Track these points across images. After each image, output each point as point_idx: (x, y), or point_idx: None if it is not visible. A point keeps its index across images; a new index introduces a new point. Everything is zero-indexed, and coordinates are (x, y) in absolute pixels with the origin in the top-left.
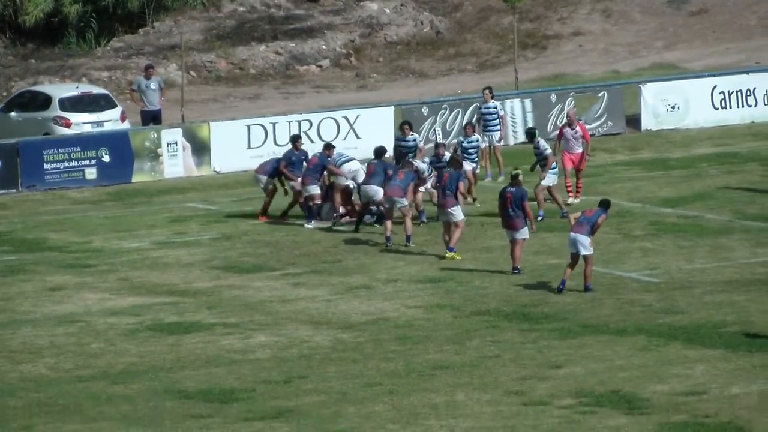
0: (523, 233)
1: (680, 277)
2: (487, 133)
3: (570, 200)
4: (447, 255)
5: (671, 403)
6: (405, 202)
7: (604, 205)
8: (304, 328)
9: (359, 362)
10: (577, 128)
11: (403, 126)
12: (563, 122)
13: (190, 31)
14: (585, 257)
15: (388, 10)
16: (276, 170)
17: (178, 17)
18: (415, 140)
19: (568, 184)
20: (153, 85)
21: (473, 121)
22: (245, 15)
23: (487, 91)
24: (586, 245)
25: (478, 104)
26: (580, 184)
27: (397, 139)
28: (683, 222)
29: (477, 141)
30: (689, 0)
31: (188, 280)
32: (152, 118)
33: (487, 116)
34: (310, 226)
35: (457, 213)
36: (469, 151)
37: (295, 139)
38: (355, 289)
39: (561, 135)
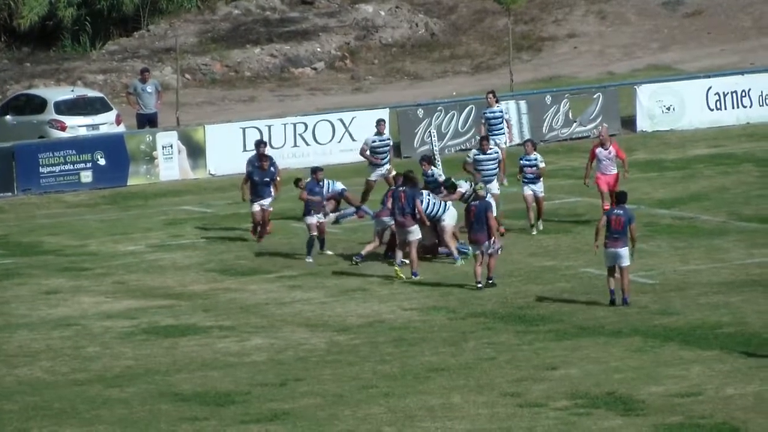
0: (489, 247)
1: (675, 279)
2: (492, 137)
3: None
4: (397, 269)
5: (667, 405)
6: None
7: (622, 200)
8: (300, 330)
9: (355, 365)
10: (611, 148)
11: (422, 162)
12: (595, 142)
13: (184, 34)
14: (622, 269)
15: (383, 13)
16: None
17: (173, 20)
18: (433, 175)
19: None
20: (149, 89)
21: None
22: (240, 18)
23: (491, 96)
24: (625, 256)
25: (483, 110)
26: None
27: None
28: (678, 223)
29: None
30: (684, 1)
31: (184, 283)
32: (148, 121)
33: (493, 120)
34: (309, 260)
35: (415, 232)
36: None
37: (315, 171)
38: (350, 292)
39: (593, 156)
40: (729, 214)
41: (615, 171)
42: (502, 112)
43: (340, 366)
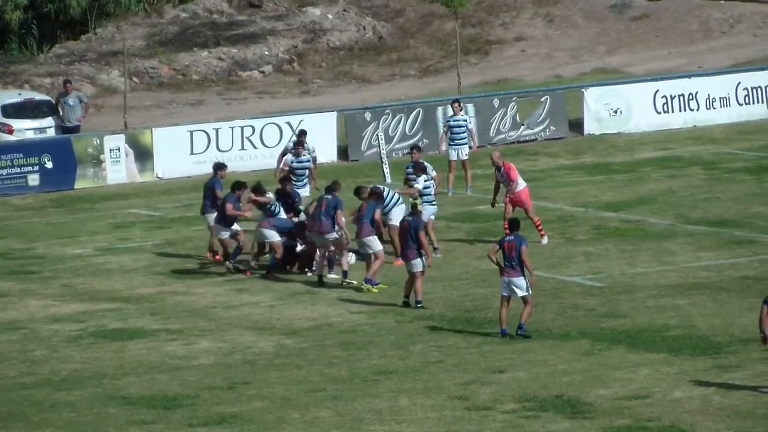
0: (416, 265)
1: (623, 282)
2: (455, 146)
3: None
4: (364, 287)
5: (614, 408)
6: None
7: (513, 228)
8: (248, 333)
9: (303, 368)
10: (503, 170)
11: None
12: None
13: (132, 37)
14: (524, 298)
15: (330, 16)
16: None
17: (121, 23)
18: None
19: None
20: (71, 101)
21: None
22: (188, 21)
23: (456, 104)
24: (523, 287)
25: (447, 118)
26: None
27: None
28: (626, 226)
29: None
30: (631, 5)
31: (131, 287)
32: (69, 133)
33: (456, 129)
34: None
35: (374, 244)
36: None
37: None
38: (298, 295)
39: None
40: (676, 217)
41: (519, 189)
42: (465, 121)
43: (288, 369)
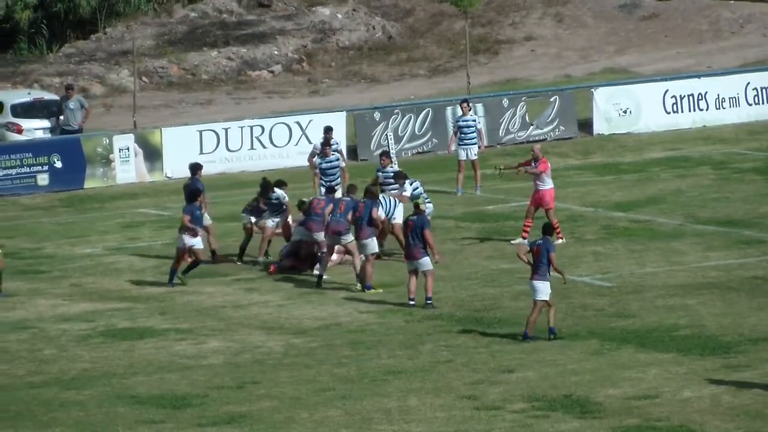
0: (425, 264)
1: (632, 281)
2: (464, 146)
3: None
4: (355, 288)
5: (623, 407)
6: (351, 238)
7: (547, 233)
8: (257, 333)
9: (312, 367)
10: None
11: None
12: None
13: (141, 37)
14: (547, 301)
15: (340, 16)
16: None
17: (130, 23)
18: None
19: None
20: (72, 105)
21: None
22: (197, 21)
23: (465, 104)
24: (541, 290)
25: (456, 118)
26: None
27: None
28: (635, 226)
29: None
30: (641, 5)
31: (141, 286)
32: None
33: (465, 129)
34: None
35: (372, 246)
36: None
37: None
38: (307, 295)
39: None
40: (685, 216)
41: (546, 188)
42: (474, 121)
43: (297, 369)
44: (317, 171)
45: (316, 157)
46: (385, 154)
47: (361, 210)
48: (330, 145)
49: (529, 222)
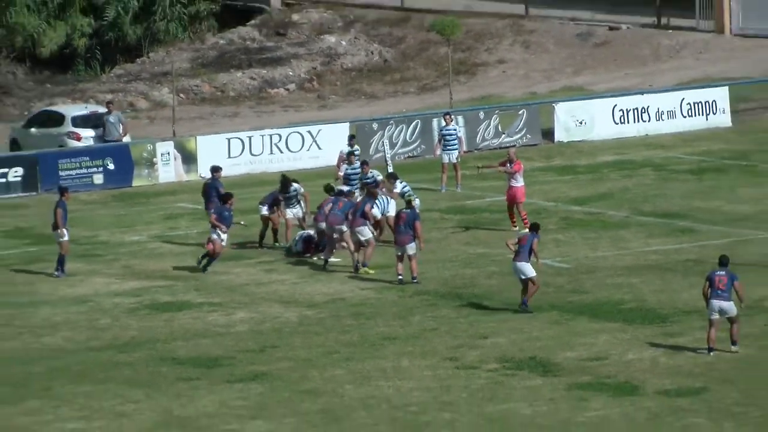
0: (410, 249)
1: (586, 264)
2: (447, 151)
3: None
4: (360, 269)
5: (578, 367)
6: (345, 228)
7: (535, 228)
8: (276, 306)
9: (321, 334)
10: (513, 166)
11: (363, 165)
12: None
13: (179, 60)
14: (531, 279)
15: (344, 42)
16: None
17: (169, 48)
18: (373, 176)
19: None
20: (112, 119)
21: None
22: (225, 47)
23: (447, 116)
24: (528, 270)
25: (440, 128)
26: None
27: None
28: (589, 218)
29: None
30: (594, 33)
31: (179, 267)
32: None
33: (448, 137)
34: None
35: (365, 232)
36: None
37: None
38: (317, 275)
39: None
40: (631, 210)
41: (517, 185)
42: (455, 129)
43: (308, 335)
44: (340, 175)
45: (343, 164)
46: (366, 163)
47: (358, 206)
48: (354, 154)
49: (514, 217)
